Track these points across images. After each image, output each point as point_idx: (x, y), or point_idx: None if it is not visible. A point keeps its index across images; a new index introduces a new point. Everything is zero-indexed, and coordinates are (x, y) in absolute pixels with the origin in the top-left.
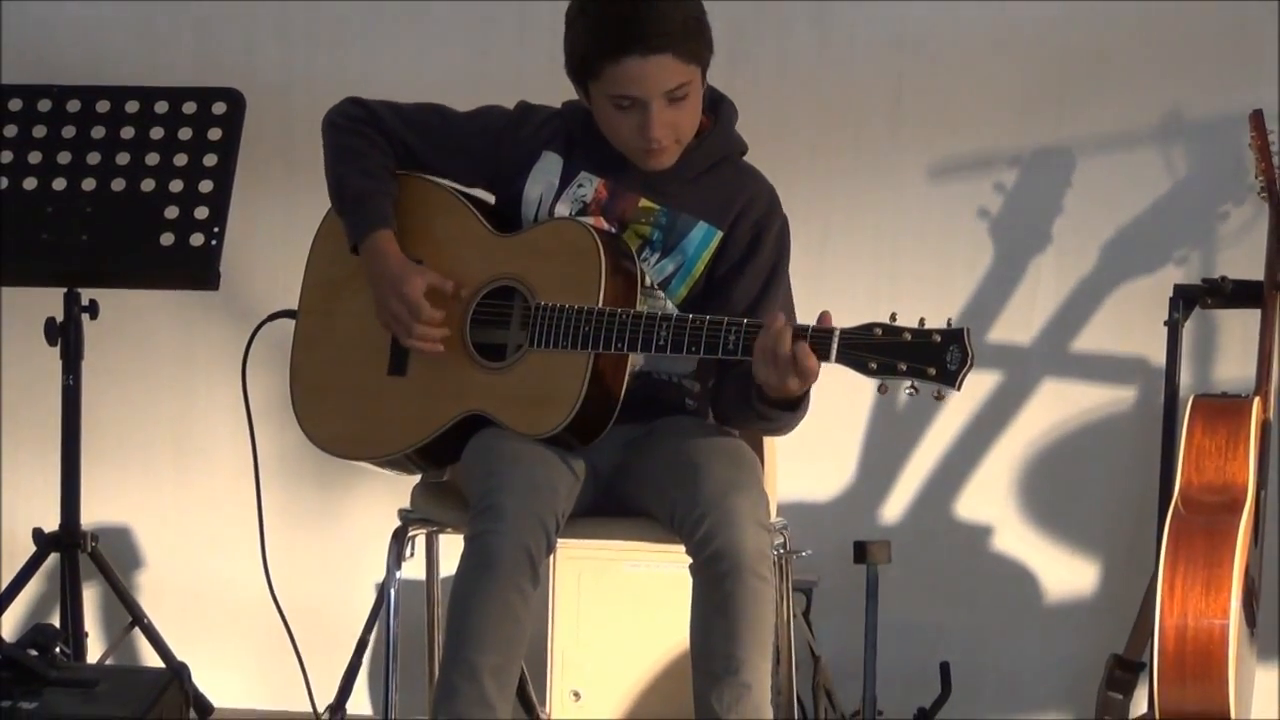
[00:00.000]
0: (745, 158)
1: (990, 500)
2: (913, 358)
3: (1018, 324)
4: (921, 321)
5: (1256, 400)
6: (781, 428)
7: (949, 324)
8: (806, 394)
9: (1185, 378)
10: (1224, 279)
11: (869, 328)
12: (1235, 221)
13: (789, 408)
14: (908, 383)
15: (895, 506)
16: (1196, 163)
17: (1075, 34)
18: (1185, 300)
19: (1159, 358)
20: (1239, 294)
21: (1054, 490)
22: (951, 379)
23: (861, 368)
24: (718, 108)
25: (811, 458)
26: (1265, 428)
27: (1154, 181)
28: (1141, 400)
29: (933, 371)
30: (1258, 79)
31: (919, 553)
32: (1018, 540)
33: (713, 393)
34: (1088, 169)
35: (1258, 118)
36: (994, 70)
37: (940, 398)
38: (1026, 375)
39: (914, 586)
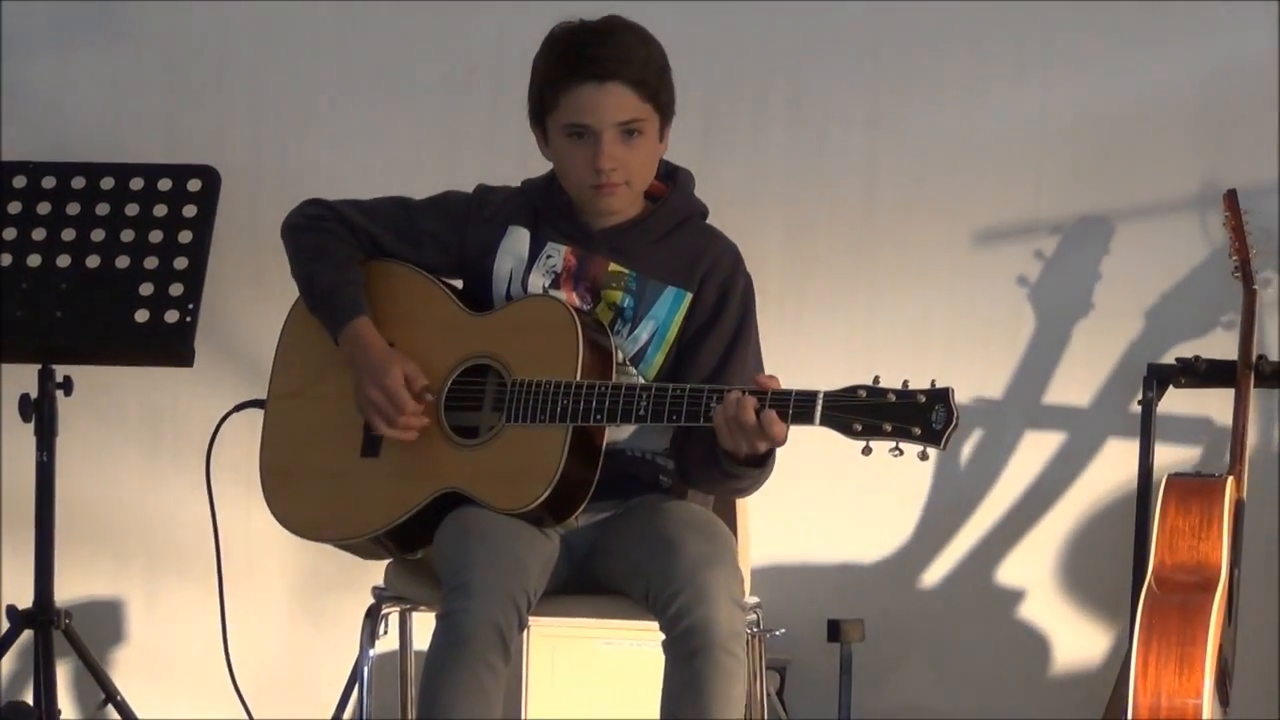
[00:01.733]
0: (709, 222)
1: (969, 577)
2: (898, 418)
3: (989, 382)
4: (905, 383)
5: (1230, 479)
6: (749, 487)
7: (933, 384)
8: (772, 451)
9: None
10: (1197, 358)
11: (853, 390)
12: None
13: (756, 464)
14: (892, 443)
15: (870, 585)
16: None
17: (1048, 114)
18: (1159, 379)
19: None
20: (1212, 373)
21: (1050, 562)
22: (937, 439)
23: (846, 430)
24: (675, 175)
25: (785, 535)
26: (1239, 507)
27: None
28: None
29: (918, 431)
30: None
31: (893, 631)
32: (996, 618)
33: (676, 456)
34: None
35: (1231, 198)
36: (968, 147)
37: (925, 458)
38: (1003, 439)
39: (888, 666)
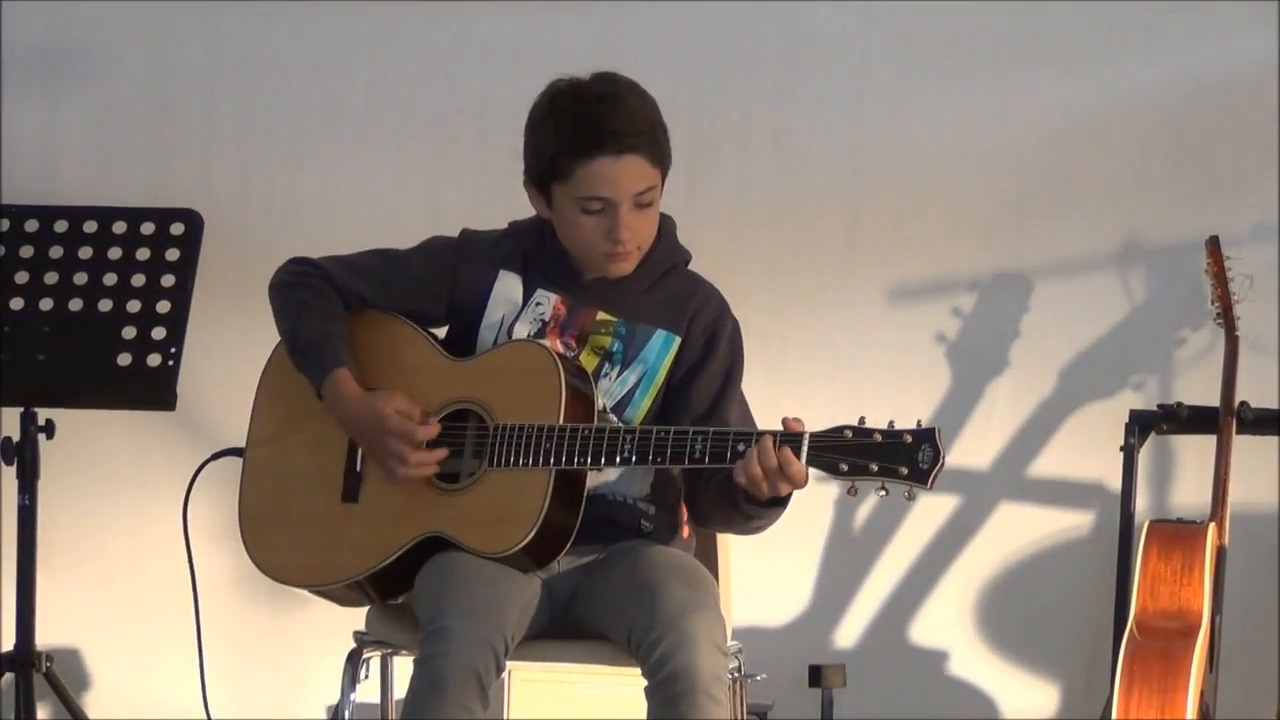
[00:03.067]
0: (693, 268)
1: (947, 624)
2: (884, 458)
3: (974, 448)
4: (891, 423)
5: (1212, 526)
6: (767, 524)
7: (919, 424)
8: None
9: (1142, 503)
10: (1180, 405)
11: (839, 430)
12: (1191, 347)
13: (776, 504)
14: (879, 483)
15: (851, 630)
16: (1156, 288)
17: (1033, 160)
18: (1141, 426)
19: (1116, 482)
20: (1195, 420)
21: (1011, 614)
22: (924, 478)
23: (833, 469)
24: (659, 221)
25: (767, 581)
26: (1220, 553)
27: (1113, 307)
28: (1099, 524)
29: (905, 471)
30: (1217, 204)
31: (875, 677)
32: (975, 664)
33: (689, 500)
34: (1045, 293)
35: (1213, 244)
36: (951, 194)
37: (911, 497)
38: (983, 499)
39: (869, 711)
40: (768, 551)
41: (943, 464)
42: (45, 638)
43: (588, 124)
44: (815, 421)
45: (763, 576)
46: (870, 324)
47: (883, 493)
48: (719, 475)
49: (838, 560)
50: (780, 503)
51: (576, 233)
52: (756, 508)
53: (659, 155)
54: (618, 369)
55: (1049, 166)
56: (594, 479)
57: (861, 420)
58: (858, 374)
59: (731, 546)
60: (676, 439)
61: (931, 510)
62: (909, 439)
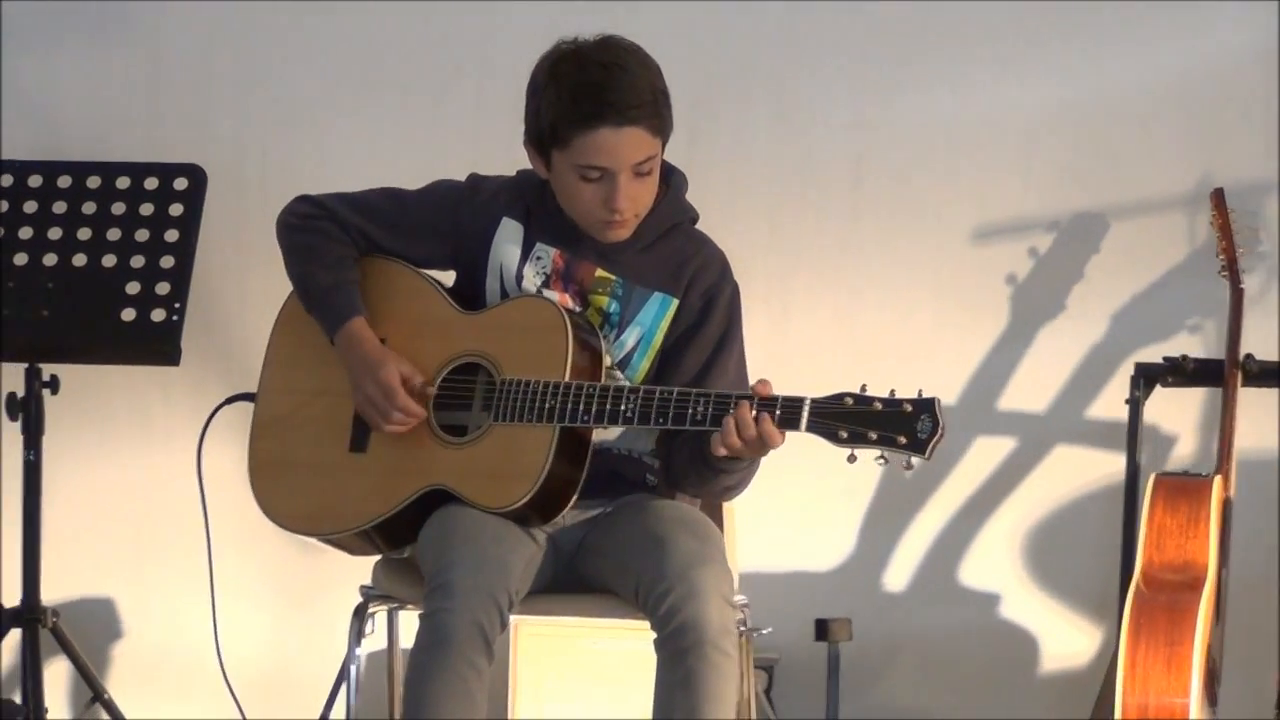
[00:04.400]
0: (699, 227)
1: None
2: (883, 427)
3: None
4: (892, 392)
5: (1218, 479)
6: (742, 482)
7: (919, 394)
8: None
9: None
10: (1185, 357)
11: (839, 397)
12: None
13: (743, 461)
14: (877, 452)
15: (858, 583)
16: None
17: (1034, 112)
18: (1146, 378)
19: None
20: (1200, 372)
21: (1032, 562)
22: (922, 448)
23: (832, 437)
24: (669, 177)
25: (773, 533)
26: (1226, 506)
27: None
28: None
29: (903, 440)
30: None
31: (882, 630)
32: (982, 617)
33: (664, 460)
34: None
35: (1218, 196)
36: (955, 152)
37: (909, 467)
38: (994, 444)
39: (876, 664)
40: (774, 504)
41: (942, 434)
42: (51, 593)
43: (588, 93)
44: (815, 385)
45: (769, 530)
46: (874, 284)
47: (882, 461)
48: (691, 438)
49: (844, 513)
50: (752, 461)
51: (574, 199)
52: (731, 461)
53: (660, 125)
54: (615, 331)
55: (1059, 122)
56: (599, 434)
57: (863, 388)
58: (860, 335)
59: (737, 499)
60: (679, 400)
61: (947, 456)
62: (908, 408)
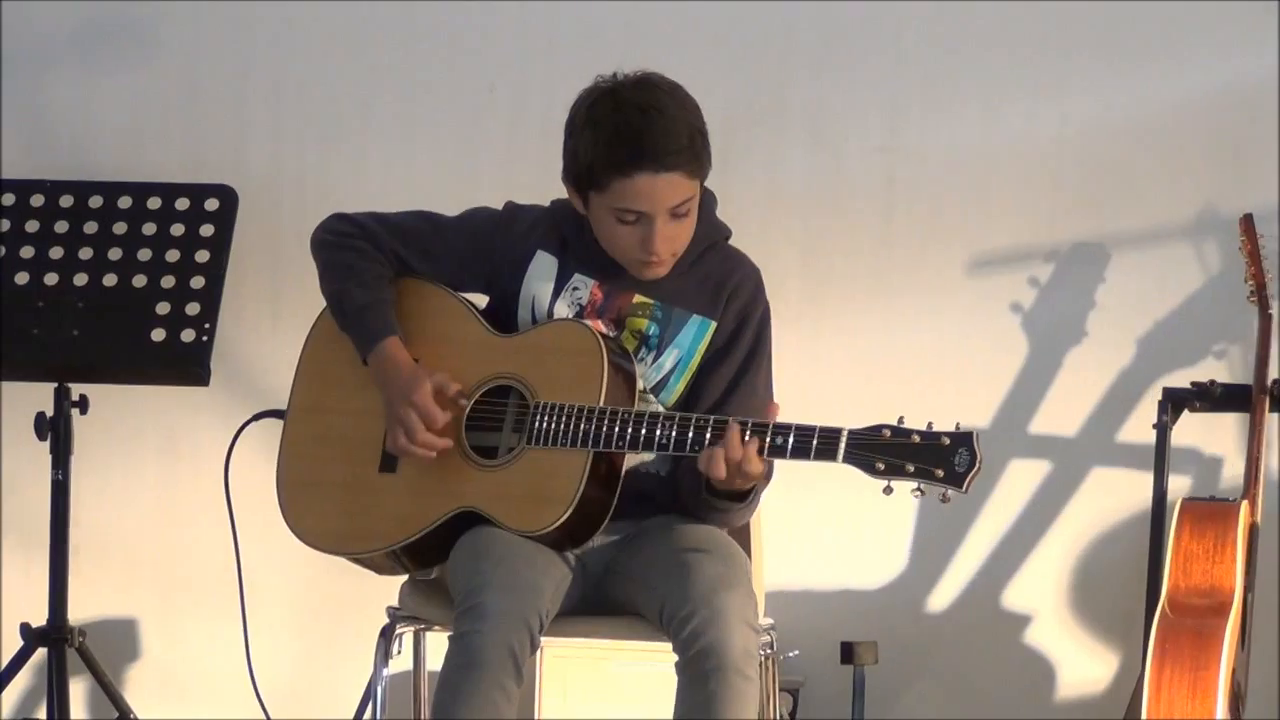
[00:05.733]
0: (731, 242)
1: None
2: (921, 459)
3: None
4: (929, 424)
5: (1244, 504)
6: (731, 520)
7: (957, 427)
8: (755, 489)
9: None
10: (1213, 382)
11: (877, 429)
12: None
13: (738, 499)
14: (914, 484)
15: (883, 607)
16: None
17: (1070, 143)
18: (1174, 403)
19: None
20: (1228, 398)
21: (1062, 587)
22: (959, 481)
23: (869, 468)
24: (700, 198)
25: (799, 557)
26: (1253, 531)
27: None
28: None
29: (940, 473)
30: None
31: (907, 654)
32: (1009, 641)
33: (674, 485)
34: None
35: (1247, 221)
36: (986, 174)
37: (946, 500)
38: (1027, 470)
39: (901, 688)
40: (801, 527)
41: (979, 468)
42: (78, 613)
43: (626, 139)
44: (847, 410)
45: (795, 553)
46: (903, 306)
47: (919, 494)
48: (690, 461)
49: (870, 537)
50: (743, 498)
51: (612, 239)
52: (717, 499)
53: (698, 168)
54: (654, 354)
55: (1087, 151)
56: (631, 458)
57: (900, 420)
58: (890, 357)
59: (764, 522)
60: (716, 426)
61: (1021, 477)
62: (946, 441)
